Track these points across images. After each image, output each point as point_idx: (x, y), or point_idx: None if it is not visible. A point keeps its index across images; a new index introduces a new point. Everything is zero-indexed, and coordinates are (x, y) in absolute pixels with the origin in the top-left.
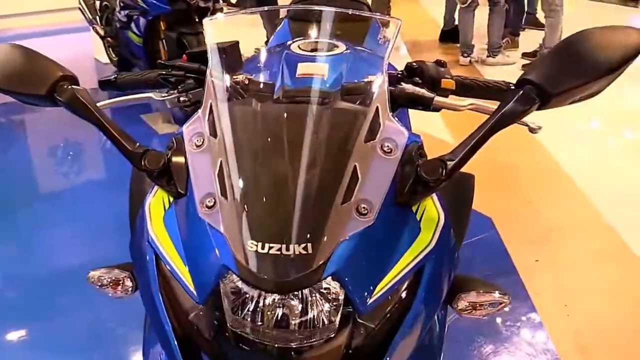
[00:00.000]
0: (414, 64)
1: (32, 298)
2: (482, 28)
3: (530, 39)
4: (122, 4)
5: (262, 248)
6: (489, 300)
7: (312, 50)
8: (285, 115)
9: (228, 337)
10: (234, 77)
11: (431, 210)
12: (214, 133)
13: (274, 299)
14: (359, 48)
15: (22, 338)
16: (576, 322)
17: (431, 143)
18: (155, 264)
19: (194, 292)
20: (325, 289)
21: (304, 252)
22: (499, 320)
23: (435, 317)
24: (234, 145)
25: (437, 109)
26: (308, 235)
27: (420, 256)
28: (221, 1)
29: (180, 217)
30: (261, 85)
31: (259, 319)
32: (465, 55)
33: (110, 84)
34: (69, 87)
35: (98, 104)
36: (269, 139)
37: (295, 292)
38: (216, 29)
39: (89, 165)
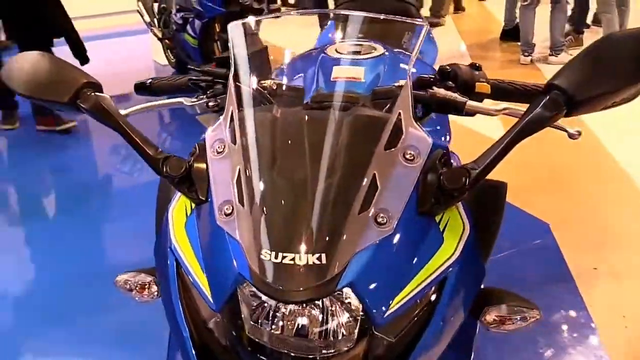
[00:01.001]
0: (447, 67)
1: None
2: (545, 26)
3: (595, 37)
4: (178, 7)
5: (276, 257)
6: (518, 314)
7: (349, 53)
8: (305, 121)
9: (245, 345)
10: (262, 82)
11: (455, 220)
12: (234, 139)
13: (293, 308)
14: (397, 51)
15: (88, 333)
16: (634, 334)
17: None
18: (176, 270)
19: (211, 300)
20: (342, 299)
21: (318, 262)
22: (553, 329)
23: (462, 330)
24: (253, 152)
25: (470, 113)
26: (322, 245)
27: (442, 267)
28: (279, 1)
29: (200, 224)
30: (291, 90)
31: (278, 328)
32: (526, 54)
33: (145, 89)
34: (92, 94)
35: (131, 109)
36: (288, 146)
37: (316, 302)
38: (267, 31)
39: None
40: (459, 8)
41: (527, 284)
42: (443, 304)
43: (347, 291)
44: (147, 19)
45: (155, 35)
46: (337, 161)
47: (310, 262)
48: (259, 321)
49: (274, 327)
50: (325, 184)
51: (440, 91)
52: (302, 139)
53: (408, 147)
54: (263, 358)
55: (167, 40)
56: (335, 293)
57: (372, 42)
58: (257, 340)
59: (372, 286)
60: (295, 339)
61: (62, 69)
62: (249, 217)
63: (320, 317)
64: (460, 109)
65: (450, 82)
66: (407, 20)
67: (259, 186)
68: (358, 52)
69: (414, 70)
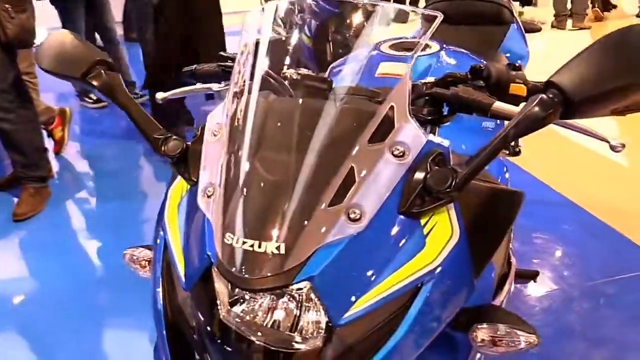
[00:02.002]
0: (481, 65)
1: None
2: None
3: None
4: (299, 8)
5: (237, 242)
6: (513, 337)
7: (401, 50)
8: (298, 110)
9: (214, 328)
10: (282, 71)
11: (444, 226)
12: (229, 123)
13: (265, 299)
14: (454, 48)
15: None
16: None
17: None
18: (163, 248)
19: (183, 279)
20: (309, 295)
21: (276, 252)
22: None
23: (452, 348)
24: (242, 137)
25: (495, 115)
26: (283, 235)
27: (418, 274)
28: None
29: (189, 205)
30: (318, 82)
31: (248, 313)
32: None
33: (189, 74)
34: (102, 71)
35: (166, 94)
36: (275, 134)
37: (292, 294)
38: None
39: None
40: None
41: (618, 316)
42: (412, 315)
43: (305, 285)
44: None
45: (278, 34)
46: (317, 151)
47: (269, 251)
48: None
49: (242, 312)
50: (302, 174)
51: (465, 90)
52: (291, 127)
53: (398, 143)
54: (226, 340)
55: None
56: (295, 286)
57: (429, 40)
58: (225, 323)
59: (334, 284)
60: (265, 328)
61: (79, 46)
62: (220, 200)
63: (295, 310)
64: (484, 110)
65: (480, 82)
66: (418, 11)
67: (239, 171)
68: (411, 50)
69: (451, 62)
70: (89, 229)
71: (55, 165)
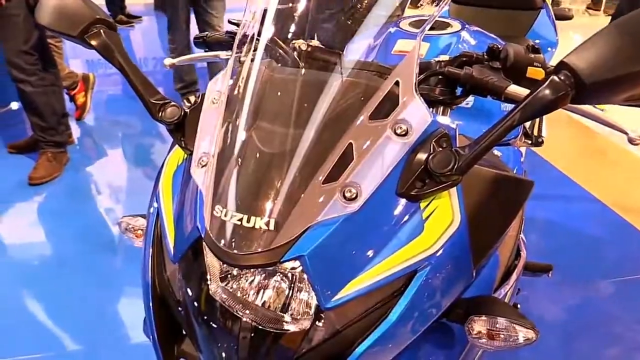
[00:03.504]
0: (498, 45)
1: None
2: None
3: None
4: None
5: (226, 215)
6: (511, 332)
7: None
8: (299, 82)
9: (200, 302)
10: (292, 42)
11: (444, 212)
12: (228, 92)
13: (256, 275)
14: (476, 29)
15: None
16: None
17: None
18: (156, 217)
19: (172, 250)
20: (300, 274)
21: (265, 228)
22: None
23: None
24: (240, 106)
25: (510, 99)
26: (274, 211)
27: (414, 260)
28: None
29: (184, 174)
30: (328, 55)
31: (237, 290)
32: None
33: (202, 42)
34: (101, 31)
35: (174, 60)
36: (274, 105)
37: (284, 272)
38: None
39: None
40: None
41: (633, 315)
42: (405, 302)
43: (294, 264)
44: None
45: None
46: (317, 126)
47: (258, 226)
48: (218, 279)
49: (232, 289)
50: (299, 148)
51: (479, 71)
52: (291, 98)
53: (401, 121)
54: (212, 323)
55: None
56: (288, 265)
57: (451, 19)
58: (213, 298)
59: (325, 264)
60: (254, 306)
61: (79, 3)
62: (212, 171)
63: (286, 290)
64: (498, 93)
65: (497, 63)
66: None
67: (234, 141)
68: (432, 28)
69: (472, 42)
70: (106, 196)
71: (76, 131)
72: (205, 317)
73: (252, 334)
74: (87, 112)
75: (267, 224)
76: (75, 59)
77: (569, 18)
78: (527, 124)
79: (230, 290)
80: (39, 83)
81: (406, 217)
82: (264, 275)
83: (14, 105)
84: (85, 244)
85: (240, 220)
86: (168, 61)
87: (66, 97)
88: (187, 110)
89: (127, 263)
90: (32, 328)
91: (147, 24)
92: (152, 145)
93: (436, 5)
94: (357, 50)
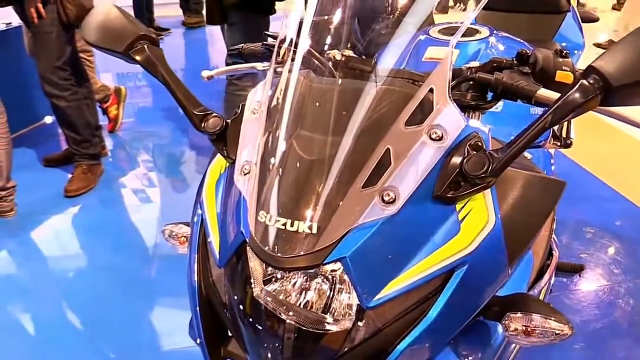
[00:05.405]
0: (527, 51)
1: None
2: None
3: None
4: None
5: (270, 220)
6: (544, 327)
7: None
8: (336, 91)
9: (246, 305)
10: (327, 52)
11: (480, 213)
12: (267, 102)
13: (299, 277)
14: (504, 34)
15: None
16: None
17: None
18: (200, 224)
19: (217, 255)
20: (341, 276)
21: (309, 232)
22: None
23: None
24: (280, 116)
25: (540, 103)
26: (316, 215)
27: (451, 259)
28: None
29: (227, 182)
30: (362, 64)
31: (281, 292)
32: None
33: (237, 54)
34: (145, 47)
35: (212, 72)
36: (314, 114)
37: (325, 274)
38: None
39: None
40: None
41: None
42: (443, 300)
43: (337, 266)
44: None
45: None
46: (355, 133)
47: (301, 230)
48: (262, 282)
49: (275, 291)
50: (338, 154)
51: (509, 76)
52: (329, 107)
53: (436, 126)
54: (258, 325)
55: None
56: (329, 267)
57: (479, 26)
58: (258, 301)
59: (365, 266)
60: (297, 308)
61: (123, 20)
62: (256, 178)
63: (328, 291)
64: (528, 97)
65: (527, 68)
66: None
67: (275, 150)
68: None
69: (501, 48)
70: (140, 207)
71: (109, 143)
72: (251, 319)
73: (296, 335)
74: (120, 124)
75: (310, 227)
76: (106, 72)
77: (595, 20)
78: (556, 127)
79: (274, 293)
80: (73, 97)
81: (443, 219)
82: (305, 277)
83: (48, 120)
84: (120, 254)
85: (284, 224)
86: (206, 73)
87: (99, 110)
88: (229, 121)
89: (162, 273)
90: (72, 339)
91: (175, 36)
92: (182, 155)
93: (464, 10)
94: (389, 58)
